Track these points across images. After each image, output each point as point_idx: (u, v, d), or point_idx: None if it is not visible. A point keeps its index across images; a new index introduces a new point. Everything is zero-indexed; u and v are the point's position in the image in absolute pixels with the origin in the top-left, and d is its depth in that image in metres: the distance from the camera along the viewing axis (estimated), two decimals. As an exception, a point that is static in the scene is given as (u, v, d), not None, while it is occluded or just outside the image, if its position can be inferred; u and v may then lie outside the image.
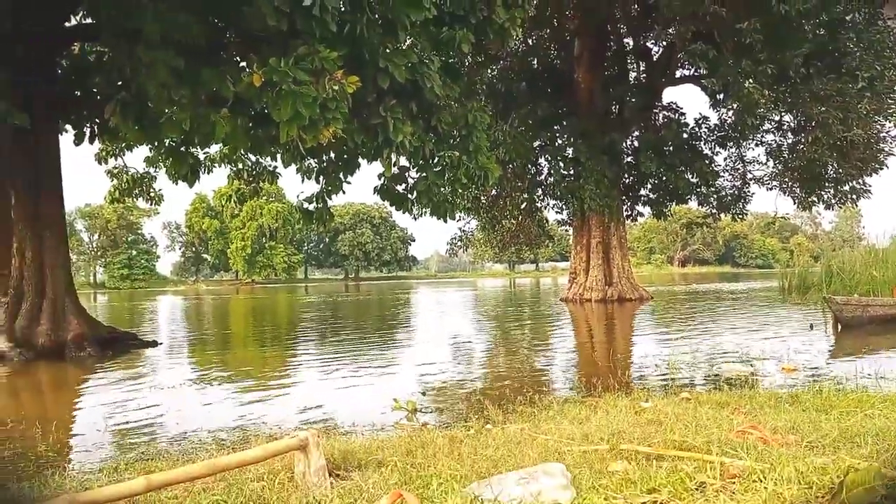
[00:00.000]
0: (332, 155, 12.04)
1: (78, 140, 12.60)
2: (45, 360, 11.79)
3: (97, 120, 13.17)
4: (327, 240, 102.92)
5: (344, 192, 12.88)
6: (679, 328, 15.11)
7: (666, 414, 4.89)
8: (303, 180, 12.28)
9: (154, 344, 14.07)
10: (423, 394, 7.78)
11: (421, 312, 26.26)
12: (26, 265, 12.54)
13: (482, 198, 27.15)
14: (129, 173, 17.73)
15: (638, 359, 10.69)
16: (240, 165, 16.13)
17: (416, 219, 13.17)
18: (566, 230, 33.36)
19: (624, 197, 27.52)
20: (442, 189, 11.62)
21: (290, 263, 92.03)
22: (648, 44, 27.04)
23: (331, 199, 13.15)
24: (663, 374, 8.48)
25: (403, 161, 11.59)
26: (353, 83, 7.86)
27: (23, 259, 12.54)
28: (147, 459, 4.85)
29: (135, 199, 18.68)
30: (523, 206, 28.16)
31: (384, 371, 10.07)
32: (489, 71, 24.44)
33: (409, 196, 11.84)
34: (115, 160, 17.56)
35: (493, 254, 49.80)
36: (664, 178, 26.00)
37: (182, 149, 11.91)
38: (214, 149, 15.04)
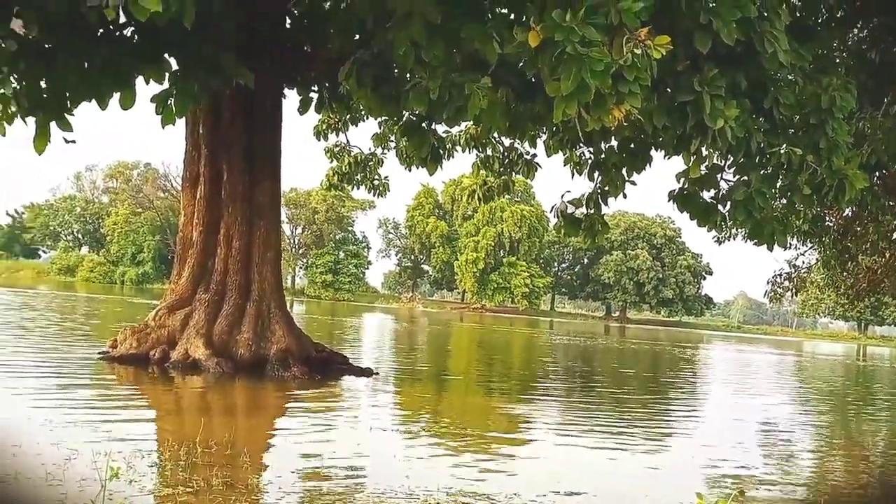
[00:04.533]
0: (616, 143, 12.19)
1: (303, 108, 14.35)
2: (243, 374, 13.58)
3: (327, 84, 14.86)
4: (585, 261, 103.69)
5: (625, 196, 12.97)
6: None
7: None
8: (572, 175, 12.58)
9: (369, 373, 15.45)
10: (742, 493, 7.58)
11: (715, 378, 25.24)
12: (232, 257, 14.54)
13: (829, 219, 25.28)
14: (352, 153, 19.67)
15: None
16: (489, 151, 16.98)
17: (720, 242, 12.74)
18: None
19: None
20: (771, 201, 11.12)
21: (533, 289, 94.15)
22: None
23: (606, 203, 13.31)
24: None
25: (717, 158, 11.32)
26: (662, 45, 7.87)
27: (229, 250, 14.57)
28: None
29: (354, 187, 20.66)
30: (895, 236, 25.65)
31: (653, 446, 9.95)
32: (856, 31, 22.78)
33: (720, 208, 11.51)
34: (337, 136, 19.63)
35: (838, 305, 46.05)
36: None
37: (423, 125, 12.89)
38: (455, 129, 16.05)
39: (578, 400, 15.24)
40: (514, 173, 17.24)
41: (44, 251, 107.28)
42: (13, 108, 10.31)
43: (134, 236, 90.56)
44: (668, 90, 9.73)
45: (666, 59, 8.31)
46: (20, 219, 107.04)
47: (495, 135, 15.65)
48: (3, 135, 10.75)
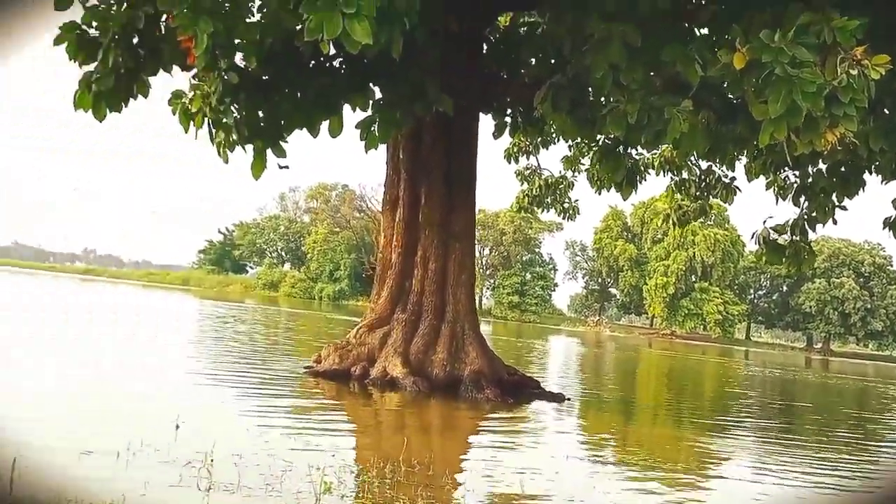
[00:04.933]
0: (826, 167, 11.58)
1: (498, 132, 14.64)
2: (438, 394, 13.92)
3: (520, 108, 15.07)
4: (784, 288, 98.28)
5: (835, 222, 12.30)
6: None
7: None
8: (776, 200, 12.06)
9: (560, 398, 15.36)
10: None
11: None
12: (428, 279, 14.96)
13: None
14: (543, 177, 19.76)
15: None
16: (684, 174, 16.58)
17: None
18: None
19: None
20: None
21: (727, 316, 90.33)
22: None
23: (813, 229, 12.68)
24: None
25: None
26: (881, 65, 7.42)
27: (426, 271, 15.01)
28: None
29: (544, 210, 20.73)
30: None
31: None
32: None
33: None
34: (527, 159, 19.81)
35: None
36: None
37: (619, 149, 12.79)
38: (650, 152, 15.79)
39: (776, 437, 14.44)
40: (710, 197, 16.73)
41: (251, 267, 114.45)
42: (234, 137, 11.10)
43: (331, 254, 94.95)
44: (887, 111, 9.15)
45: (885, 78, 7.81)
46: (230, 236, 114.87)
47: (692, 158, 15.28)
48: (227, 162, 11.64)
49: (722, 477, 9.84)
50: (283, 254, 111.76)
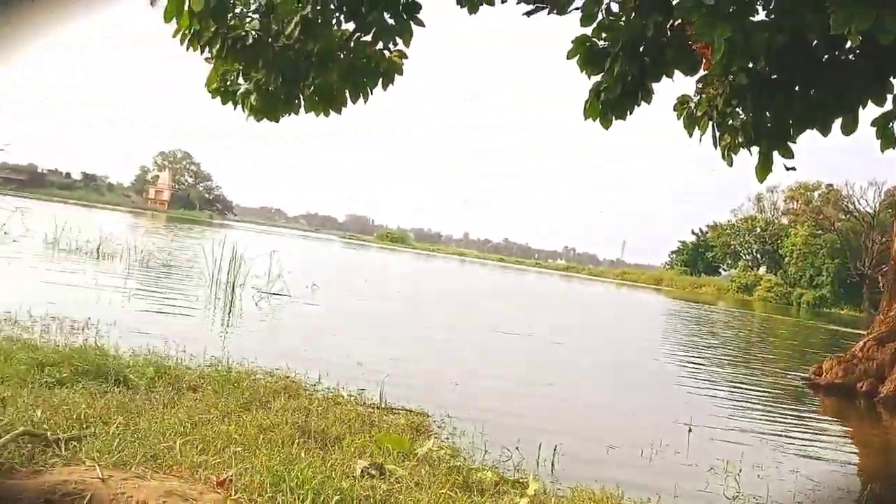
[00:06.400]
0: None
1: None
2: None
3: None
4: None
5: None
6: None
7: None
8: None
9: None
10: None
11: None
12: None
13: None
14: None
15: None
16: None
17: None
18: None
19: None
20: None
21: None
22: None
23: None
24: None
25: None
26: None
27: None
28: None
29: None
30: None
31: None
32: None
33: None
34: None
35: None
36: None
37: None
38: None
39: None
40: None
41: (724, 269, 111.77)
42: (740, 139, 10.89)
43: (812, 258, 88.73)
44: None
45: None
46: (704, 237, 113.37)
47: None
48: (731, 165, 11.45)
49: None
50: (759, 256, 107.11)
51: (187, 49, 6.15)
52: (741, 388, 13.56)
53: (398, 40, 6.34)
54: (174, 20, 5.79)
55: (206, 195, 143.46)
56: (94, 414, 5.58)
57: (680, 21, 10.50)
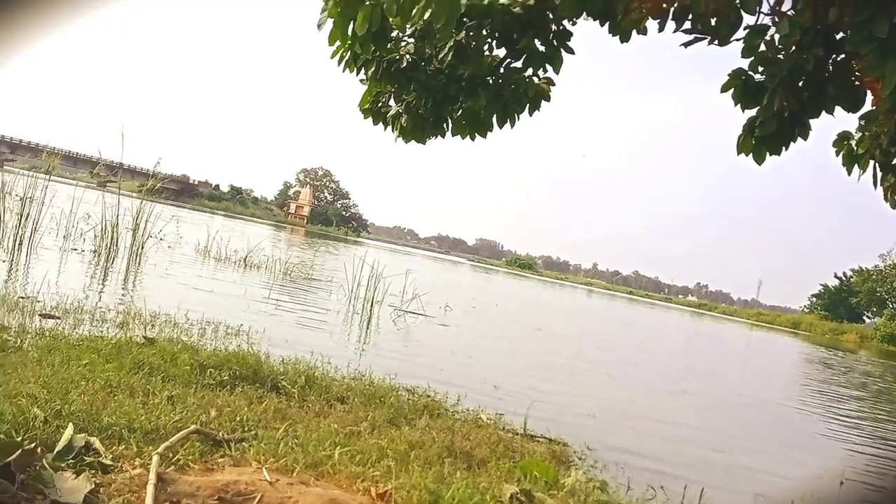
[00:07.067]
0: None
1: None
2: None
3: None
4: None
5: None
6: None
7: None
8: None
9: None
10: None
11: None
12: None
13: None
14: None
15: None
16: None
17: None
18: None
19: None
20: None
21: None
22: None
23: None
24: None
25: None
26: None
27: None
28: None
29: None
30: None
31: None
32: None
33: None
34: None
35: None
36: None
37: None
38: None
39: None
40: None
41: (868, 316, 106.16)
42: (899, 180, 10.37)
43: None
44: None
45: None
46: (847, 282, 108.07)
47: None
48: (894, 207, 10.93)
49: None
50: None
51: (343, 70, 6.38)
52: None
53: (547, 67, 6.37)
54: (336, 42, 6.02)
55: (343, 212, 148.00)
56: (254, 417, 5.82)
57: (843, 55, 10.14)
